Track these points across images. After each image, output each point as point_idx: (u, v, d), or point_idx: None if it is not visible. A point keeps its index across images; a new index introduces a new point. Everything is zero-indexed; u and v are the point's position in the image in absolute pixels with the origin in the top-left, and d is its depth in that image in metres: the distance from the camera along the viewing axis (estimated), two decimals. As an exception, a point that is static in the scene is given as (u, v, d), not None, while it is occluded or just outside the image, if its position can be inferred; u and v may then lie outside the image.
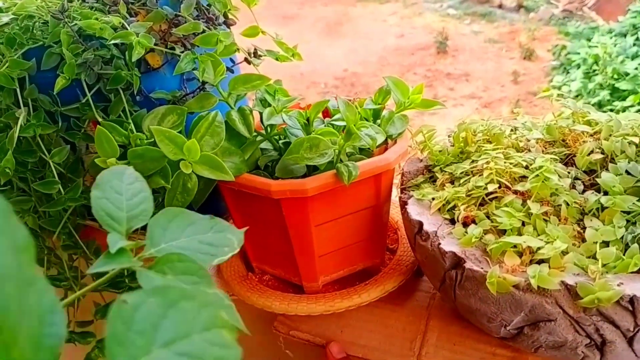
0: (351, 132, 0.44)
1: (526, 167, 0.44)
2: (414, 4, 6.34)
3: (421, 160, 0.52)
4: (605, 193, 0.42)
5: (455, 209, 0.43)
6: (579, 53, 4.50)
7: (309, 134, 0.48)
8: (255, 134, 0.50)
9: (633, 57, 4.09)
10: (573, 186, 0.44)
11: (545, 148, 0.48)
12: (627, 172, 0.43)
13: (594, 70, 4.17)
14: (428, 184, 0.49)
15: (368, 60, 5.12)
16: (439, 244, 0.41)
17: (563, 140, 0.47)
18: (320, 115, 0.52)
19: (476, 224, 0.42)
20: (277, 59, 0.55)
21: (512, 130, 0.51)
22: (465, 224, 0.42)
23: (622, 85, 3.89)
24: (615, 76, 3.98)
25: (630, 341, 0.37)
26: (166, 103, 0.51)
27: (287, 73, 4.90)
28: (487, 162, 0.44)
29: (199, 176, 0.43)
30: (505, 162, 0.44)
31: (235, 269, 0.58)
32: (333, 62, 5.08)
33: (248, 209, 0.51)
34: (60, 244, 0.57)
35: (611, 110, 3.85)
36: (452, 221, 0.43)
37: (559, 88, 4.21)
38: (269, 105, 0.49)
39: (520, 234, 0.40)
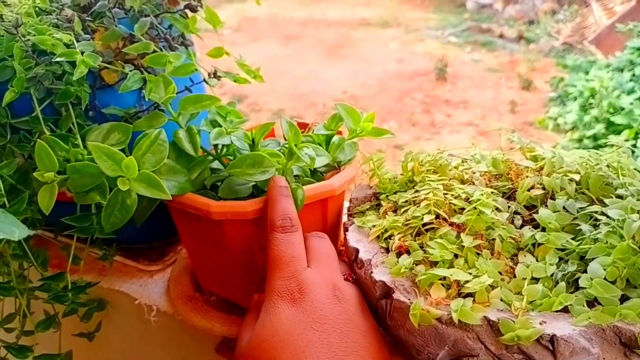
0: (292, 152, 0.45)
1: (466, 200, 0.44)
2: (416, 30, 6.43)
3: (371, 187, 0.52)
4: (543, 229, 0.43)
5: (392, 238, 0.43)
6: (576, 85, 4.54)
7: (255, 155, 0.48)
8: (206, 153, 0.51)
9: (629, 92, 4.12)
10: (512, 221, 0.44)
11: (490, 181, 0.48)
12: (565, 209, 0.43)
13: (590, 104, 4.20)
14: (373, 211, 0.49)
15: (367, 83, 5.17)
16: (372, 272, 0.41)
17: (508, 174, 0.48)
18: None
19: (410, 254, 0.41)
20: (235, 81, 0.55)
21: (462, 161, 0.52)
22: (400, 254, 0.42)
23: (617, 119, 3.91)
24: (611, 110, 4.00)
25: (552, 380, 0.36)
26: (119, 119, 0.52)
27: (287, 93, 4.95)
28: (428, 193, 0.44)
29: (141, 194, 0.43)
30: (445, 194, 0.44)
31: (182, 289, 0.58)
32: (333, 84, 5.13)
33: (194, 229, 0.51)
34: (10, 252, 0.57)
35: (606, 144, 3.87)
36: (388, 250, 0.43)
37: (555, 119, 4.25)
38: (219, 126, 0.49)
39: (452, 267, 0.40)
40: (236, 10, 7.48)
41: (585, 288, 0.37)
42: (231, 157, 0.52)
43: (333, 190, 0.47)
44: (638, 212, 0.41)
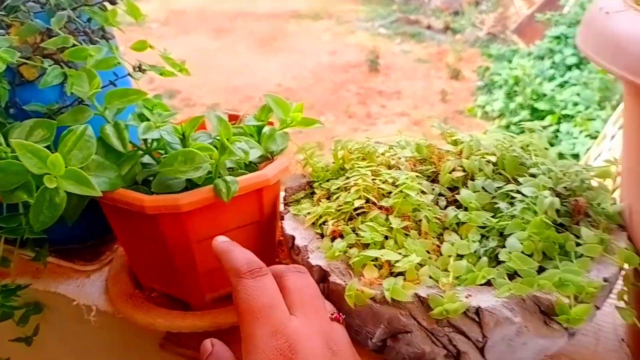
0: (225, 146, 0.45)
1: (393, 184, 0.46)
2: (347, 22, 6.50)
3: (304, 176, 0.53)
4: (465, 209, 0.45)
5: (326, 223, 0.45)
6: (500, 74, 4.76)
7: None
8: (136, 148, 0.50)
9: (550, 79, 4.37)
10: (437, 202, 0.47)
11: (415, 166, 0.50)
12: (484, 189, 0.46)
13: (515, 91, 4.42)
14: (308, 199, 0.50)
15: (302, 75, 5.18)
16: (308, 258, 0.42)
17: (431, 159, 0.50)
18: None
19: (343, 238, 0.43)
20: (161, 74, 0.54)
21: (389, 148, 0.54)
22: (334, 238, 0.44)
23: (541, 105, 4.14)
24: (534, 97, 4.23)
25: (482, 351, 0.39)
26: (42, 116, 0.50)
27: (221, 87, 4.87)
28: (357, 179, 0.46)
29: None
30: (373, 179, 0.46)
31: (122, 287, 0.57)
32: (267, 77, 5.10)
33: (128, 225, 0.50)
34: None
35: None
36: (323, 236, 0.45)
37: (483, 107, 4.43)
38: (147, 119, 0.49)
39: (383, 248, 0.42)
40: (162, 2, 7.25)
41: (505, 262, 0.40)
42: (162, 152, 0.51)
43: (267, 180, 0.48)
44: (549, 189, 0.44)
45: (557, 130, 3.67)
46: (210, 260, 0.51)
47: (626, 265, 0.41)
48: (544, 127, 3.77)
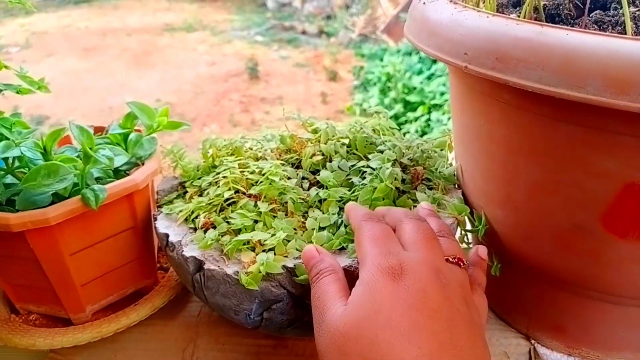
0: (88, 155, 0.46)
1: (261, 173, 0.50)
2: (223, 32, 6.48)
3: (176, 178, 0.55)
4: (325, 187, 0.50)
5: (198, 217, 0.47)
6: (374, 72, 5.02)
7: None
8: (-5, 169, 0.49)
9: (418, 73, 4.68)
10: (301, 185, 0.51)
11: (280, 155, 0.55)
12: (340, 168, 0.51)
13: (388, 87, 4.69)
14: (180, 198, 0.52)
15: (181, 89, 5.07)
16: (182, 251, 0.44)
17: (294, 148, 0.55)
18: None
19: (215, 228, 0.46)
20: (18, 92, 0.53)
21: (256, 142, 0.57)
22: (207, 230, 0.46)
23: (412, 98, 4.43)
24: (406, 90, 4.51)
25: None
26: None
27: (95, 108, 4.62)
28: (225, 172, 0.49)
29: None
30: (242, 171, 0.50)
31: (-5, 315, 0.55)
32: (144, 93, 4.93)
33: (-5, 247, 0.49)
34: None
35: (405, 121, 4.38)
36: (197, 229, 0.47)
37: (361, 105, 4.65)
38: (6, 138, 0.48)
39: (254, 231, 0.45)
40: (21, 25, 6.72)
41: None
42: (25, 170, 0.51)
43: (136, 184, 0.49)
44: (393, 161, 0.51)
45: (429, 119, 3.95)
46: (87, 271, 0.51)
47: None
48: (417, 118, 4.05)
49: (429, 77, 4.51)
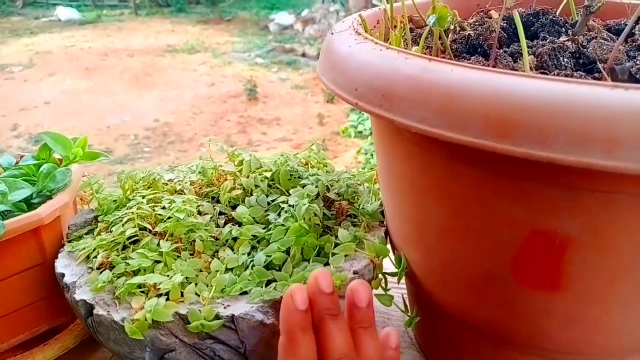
0: (-19, 191, 0.43)
1: (170, 209, 0.47)
2: (223, 54, 6.52)
3: (93, 211, 0.53)
4: (241, 224, 0.47)
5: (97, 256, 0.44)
6: (371, 94, 5.01)
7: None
8: None
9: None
10: (217, 221, 0.49)
11: (201, 189, 0.52)
12: (259, 203, 0.49)
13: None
14: (91, 234, 0.50)
15: (180, 109, 5.09)
16: (74, 293, 0.42)
17: (215, 181, 0.52)
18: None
19: (112, 268, 0.43)
20: None
21: (181, 173, 0.55)
22: (104, 270, 0.43)
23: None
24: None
25: (245, 357, 0.40)
26: None
27: (93, 127, 4.64)
28: (133, 208, 0.46)
29: None
30: (154, 206, 0.47)
31: None
32: (143, 113, 4.95)
33: None
34: None
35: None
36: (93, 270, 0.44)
37: (356, 127, 4.63)
38: None
39: (152, 273, 0.42)
40: (25, 45, 6.81)
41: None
42: None
43: (41, 219, 0.47)
44: (315, 196, 0.48)
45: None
46: (-3, 308, 0.48)
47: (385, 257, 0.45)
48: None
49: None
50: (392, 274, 0.45)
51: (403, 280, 0.46)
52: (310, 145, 0.55)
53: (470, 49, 0.42)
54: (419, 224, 0.40)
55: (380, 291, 0.45)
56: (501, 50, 0.39)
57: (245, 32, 7.60)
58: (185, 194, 0.51)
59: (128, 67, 6.06)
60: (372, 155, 3.98)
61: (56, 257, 0.48)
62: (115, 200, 0.52)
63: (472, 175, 0.33)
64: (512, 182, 0.31)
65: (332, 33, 0.42)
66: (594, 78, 0.34)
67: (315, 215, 0.46)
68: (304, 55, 6.45)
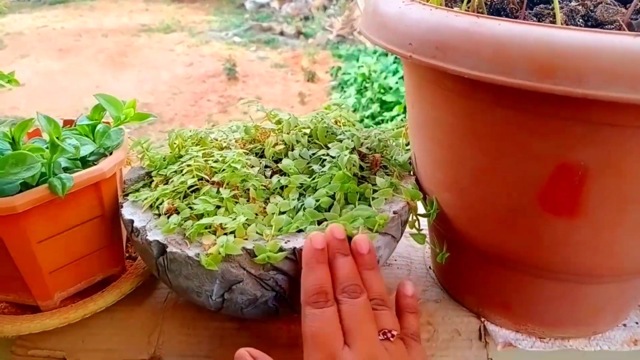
0: (55, 145, 0.47)
1: (224, 162, 0.51)
2: (200, 33, 6.46)
3: (143, 168, 0.57)
4: (287, 175, 0.52)
5: (162, 204, 0.49)
6: (350, 73, 5.06)
7: (17, 152, 0.49)
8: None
9: (394, 73, 4.74)
10: (264, 173, 0.53)
11: (245, 145, 0.57)
12: (301, 157, 0.54)
13: (365, 87, 4.73)
14: (147, 187, 0.54)
15: (158, 89, 5.05)
16: (146, 236, 0.46)
17: (258, 138, 0.57)
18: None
19: (179, 213, 0.48)
20: (-14, 85, 0.54)
21: (223, 133, 0.59)
22: (170, 215, 0.48)
23: (388, 97, 4.48)
24: (382, 90, 4.56)
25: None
26: None
27: (71, 109, 4.57)
28: (189, 161, 0.51)
29: None
30: (206, 160, 0.52)
31: (-37, 304, 0.55)
32: (120, 94, 4.84)
33: (-39, 236, 0.50)
34: None
35: (382, 120, 4.43)
36: (161, 215, 0.49)
37: (339, 105, 4.70)
38: (-29, 129, 0.49)
39: (216, 216, 0.47)
40: (-6, 25, 6.62)
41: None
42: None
43: (103, 173, 0.51)
44: (352, 150, 0.53)
45: (405, 118, 4.00)
46: (55, 259, 0.53)
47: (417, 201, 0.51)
48: (393, 117, 4.09)
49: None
50: (425, 215, 0.51)
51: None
52: (340, 105, 0.60)
53: (494, 13, 0.48)
54: (454, 168, 0.46)
55: (414, 231, 0.51)
56: (525, 12, 0.45)
57: (221, 11, 7.52)
58: (231, 149, 0.55)
59: (103, 48, 5.96)
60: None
61: (119, 207, 0.53)
62: (164, 158, 0.56)
63: (509, 118, 0.39)
64: (545, 121, 0.37)
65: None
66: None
67: (354, 165, 0.51)
68: (282, 33, 6.44)
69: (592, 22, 0.44)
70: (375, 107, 4.41)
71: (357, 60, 5.24)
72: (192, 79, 5.30)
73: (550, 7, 0.46)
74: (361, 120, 4.27)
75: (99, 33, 6.42)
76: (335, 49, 6.00)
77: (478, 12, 0.43)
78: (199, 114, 4.65)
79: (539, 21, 0.43)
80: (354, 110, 4.59)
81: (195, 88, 5.12)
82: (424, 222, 0.53)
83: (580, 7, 0.45)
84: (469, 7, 0.43)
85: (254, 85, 5.27)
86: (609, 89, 0.31)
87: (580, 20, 0.44)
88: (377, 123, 4.25)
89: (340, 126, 0.58)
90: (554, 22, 0.42)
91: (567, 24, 0.42)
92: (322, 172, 0.51)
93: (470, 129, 0.42)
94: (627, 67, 0.31)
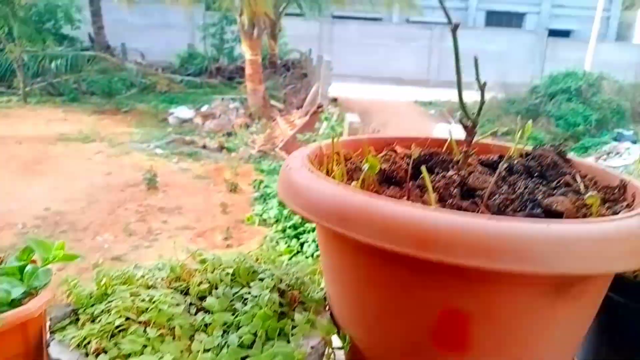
0: (-13, 291, 0.49)
1: (150, 301, 0.55)
2: (121, 144, 6.47)
3: (69, 305, 0.59)
4: (211, 313, 0.57)
5: (90, 343, 0.51)
6: (272, 187, 5.21)
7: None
8: None
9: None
10: (189, 310, 0.58)
11: (170, 284, 0.61)
12: (224, 295, 0.59)
13: (286, 200, 4.84)
14: (73, 325, 0.56)
15: (74, 198, 4.90)
16: (69, 377, 0.48)
17: (183, 277, 0.61)
18: None
19: (106, 353, 0.50)
20: None
21: (148, 271, 0.64)
22: (98, 355, 0.50)
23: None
24: (303, 204, 4.69)
25: None
26: None
27: (-20, 214, 4.29)
28: (117, 301, 0.54)
29: None
30: (133, 300, 0.55)
31: None
32: (33, 202, 4.70)
33: None
34: None
35: (304, 230, 4.52)
36: (88, 354, 0.51)
37: (261, 215, 4.76)
38: None
39: (142, 355, 0.50)
40: None
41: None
42: None
43: (30, 313, 0.53)
44: (272, 287, 0.59)
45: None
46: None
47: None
48: (313, 228, 4.20)
49: (324, 192, 4.76)
50: (339, 348, 0.57)
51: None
52: (260, 245, 0.67)
53: (385, 181, 0.58)
54: (360, 308, 0.53)
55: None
56: (410, 183, 0.56)
57: (143, 124, 7.63)
58: (157, 288, 0.59)
59: (16, 155, 5.78)
60: (277, 242, 4.08)
61: (38, 348, 0.54)
62: (91, 296, 0.59)
63: (399, 273, 0.47)
64: (429, 276, 0.46)
65: (289, 168, 0.56)
66: (475, 203, 0.51)
67: (274, 303, 0.57)
68: (204, 147, 6.59)
69: (466, 187, 0.56)
70: (296, 218, 4.51)
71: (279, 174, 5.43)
72: (110, 188, 5.21)
73: (431, 177, 0.57)
74: (284, 230, 4.34)
75: (13, 140, 6.25)
76: (258, 164, 6.21)
77: (371, 188, 0.53)
78: (116, 223, 4.53)
79: (421, 192, 0.53)
80: (276, 221, 4.68)
81: (112, 197, 5.02)
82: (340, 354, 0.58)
83: (455, 177, 0.56)
84: (364, 181, 0.53)
85: (175, 195, 5.26)
86: (471, 259, 0.41)
87: (456, 189, 0.55)
88: (299, 233, 4.32)
89: (260, 264, 0.65)
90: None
91: (443, 196, 0.52)
92: (244, 310, 0.56)
93: (371, 278, 0.50)
94: (483, 242, 0.41)
